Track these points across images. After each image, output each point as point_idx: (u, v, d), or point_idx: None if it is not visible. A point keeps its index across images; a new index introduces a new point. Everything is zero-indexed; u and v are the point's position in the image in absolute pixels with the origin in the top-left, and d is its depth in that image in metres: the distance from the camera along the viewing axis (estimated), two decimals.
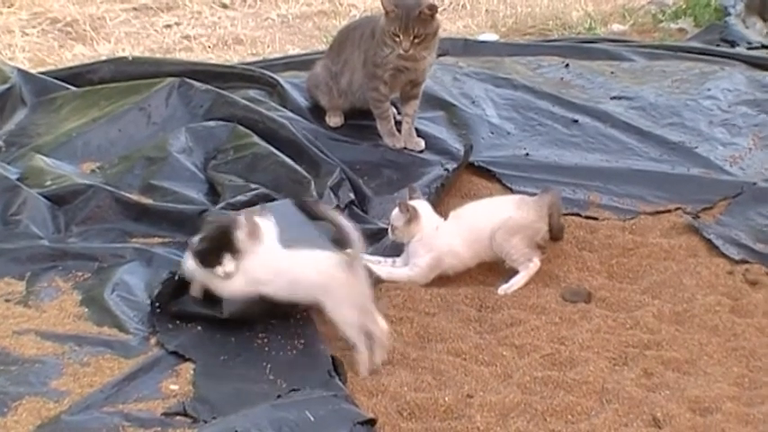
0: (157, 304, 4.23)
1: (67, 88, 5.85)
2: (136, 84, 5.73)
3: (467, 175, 5.27)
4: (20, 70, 6.00)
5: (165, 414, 3.74)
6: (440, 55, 5.64)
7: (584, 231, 4.88)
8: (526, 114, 5.75)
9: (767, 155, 5.48)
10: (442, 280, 4.57)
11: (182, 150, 5.21)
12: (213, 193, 5.01)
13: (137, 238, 4.74)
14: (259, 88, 5.80)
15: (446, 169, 5.17)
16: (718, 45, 6.96)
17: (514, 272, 4.57)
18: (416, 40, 5.11)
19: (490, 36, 7.30)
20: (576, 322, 4.34)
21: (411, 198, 4.66)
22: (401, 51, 5.14)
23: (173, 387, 3.88)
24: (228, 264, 4.08)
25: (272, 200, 4.77)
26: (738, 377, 4.03)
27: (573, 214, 4.95)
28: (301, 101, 5.65)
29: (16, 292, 4.37)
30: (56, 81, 5.91)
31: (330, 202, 4.85)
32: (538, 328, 4.29)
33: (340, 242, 4.12)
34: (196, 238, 4.13)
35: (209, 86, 5.64)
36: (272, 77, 5.85)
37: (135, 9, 8.03)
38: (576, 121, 5.69)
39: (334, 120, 5.50)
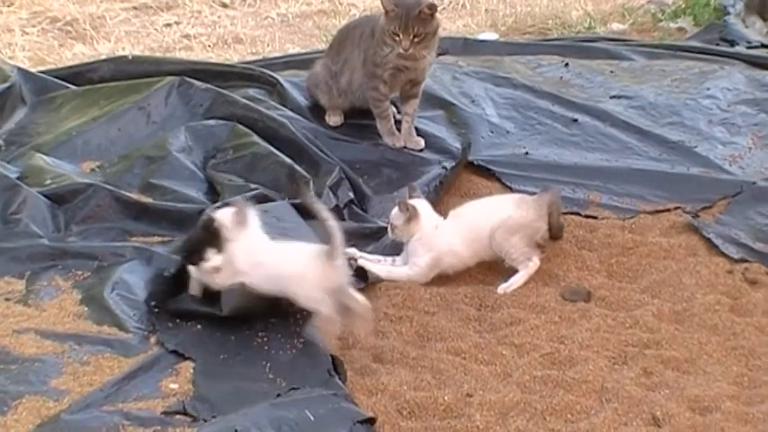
0: (153, 303, 4.24)
1: (67, 87, 5.85)
2: (136, 83, 5.73)
3: (466, 174, 5.28)
4: (20, 69, 6.00)
5: (165, 413, 3.74)
6: (439, 54, 5.64)
7: (584, 230, 4.88)
8: (526, 113, 5.75)
9: (766, 154, 5.48)
10: (442, 279, 4.58)
11: (181, 149, 5.22)
12: (213, 192, 5.01)
13: (136, 236, 4.74)
14: (259, 87, 5.80)
15: (444, 167, 5.17)
16: (717, 44, 6.96)
17: (514, 271, 4.57)
18: (416, 40, 5.11)
19: (490, 35, 7.30)
20: (575, 321, 4.35)
21: (411, 197, 4.67)
22: (401, 50, 5.14)
23: (172, 386, 3.88)
24: (214, 258, 4.11)
25: (270, 200, 4.78)
26: (738, 376, 4.03)
27: (572, 213, 4.96)
28: (301, 100, 5.65)
29: (16, 291, 4.37)
30: (56, 80, 5.92)
31: (329, 202, 4.85)
32: (537, 328, 4.29)
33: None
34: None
35: (208, 85, 5.64)
36: (271, 76, 5.85)
37: (135, 8, 8.03)
38: (576, 120, 5.69)
39: (333, 119, 5.50)
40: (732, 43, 6.97)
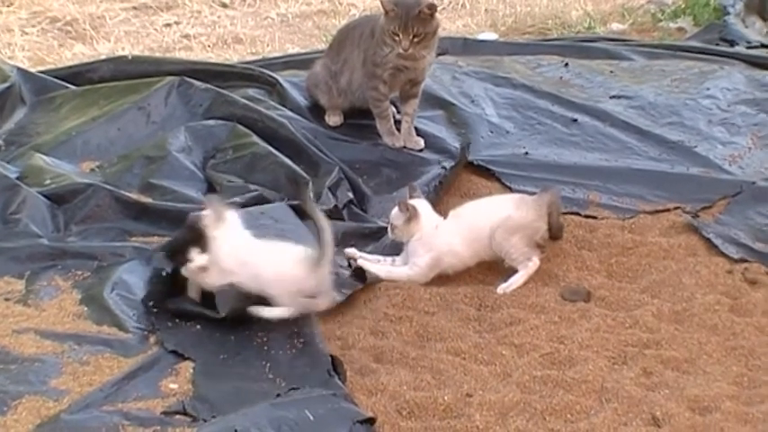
0: (151, 302, 4.24)
1: (67, 87, 5.85)
2: (135, 83, 5.73)
3: (466, 174, 5.28)
4: (19, 69, 6.00)
5: (165, 413, 3.74)
6: (439, 54, 5.64)
7: (584, 230, 4.88)
8: (525, 113, 5.75)
9: (766, 154, 5.47)
10: (442, 279, 4.58)
11: (181, 149, 5.22)
12: (212, 192, 5.01)
13: (136, 236, 4.74)
14: (258, 87, 5.80)
15: (443, 167, 5.17)
16: (717, 44, 6.96)
17: (513, 271, 4.57)
18: (416, 40, 5.11)
19: (489, 35, 7.30)
20: (575, 321, 4.35)
21: (411, 197, 4.66)
22: (401, 50, 5.14)
23: (172, 386, 3.88)
24: (198, 257, 4.13)
25: (268, 202, 4.78)
26: (737, 376, 4.03)
27: (572, 213, 4.95)
28: (301, 100, 5.65)
29: (16, 291, 4.37)
30: (55, 80, 5.92)
31: (328, 202, 4.85)
32: (537, 328, 4.29)
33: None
34: None
35: (208, 85, 5.64)
36: (271, 76, 5.85)
37: (135, 8, 8.03)
38: (576, 120, 5.69)
39: (333, 119, 5.50)
40: (732, 43, 6.96)
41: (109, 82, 5.85)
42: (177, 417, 3.73)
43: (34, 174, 5.07)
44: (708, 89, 6.03)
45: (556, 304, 4.45)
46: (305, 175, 5.02)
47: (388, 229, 4.62)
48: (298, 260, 4.12)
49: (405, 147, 5.34)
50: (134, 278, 4.39)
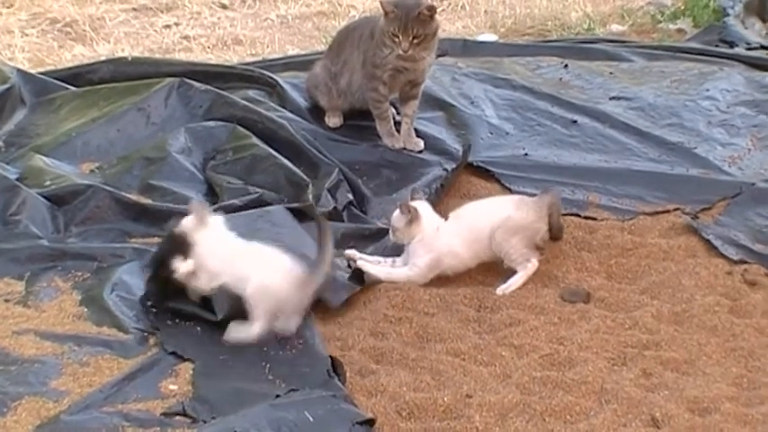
0: (149, 303, 4.24)
1: (67, 88, 5.86)
2: (135, 84, 5.73)
3: (466, 176, 5.28)
4: (19, 70, 6.00)
5: (165, 414, 3.74)
6: (439, 55, 5.64)
7: (583, 232, 4.88)
8: (525, 115, 5.75)
9: (766, 155, 5.48)
10: (441, 280, 4.58)
11: (181, 151, 5.22)
12: (212, 193, 5.01)
13: (136, 238, 4.74)
14: (258, 89, 5.80)
15: (445, 169, 5.17)
16: (716, 46, 6.95)
17: (513, 272, 4.57)
18: (416, 41, 5.11)
19: (489, 36, 7.30)
20: (574, 322, 4.35)
21: (413, 199, 4.66)
22: (400, 52, 5.14)
23: (172, 387, 3.88)
24: (183, 265, 4.15)
25: (268, 204, 4.78)
26: (737, 377, 4.03)
27: (572, 214, 4.96)
28: (301, 101, 5.65)
29: (15, 292, 4.37)
30: (55, 81, 5.92)
31: (328, 204, 4.85)
32: (537, 329, 4.29)
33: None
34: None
35: (208, 87, 5.64)
36: (271, 78, 5.85)
37: (134, 9, 8.03)
38: (575, 121, 5.69)
39: (333, 120, 5.50)
40: (731, 45, 6.96)
41: (109, 83, 5.85)
42: (177, 418, 3.73)
43: (34, 175, 5.07)
44: (707, 90, 6.03)
45: (555, 305, 4.45)
46: (305, 177, 5.02)
47: (390, 232, 4.62)
48: (284, 276, 4.08)
49: (404, 148, 5.34)
50: (134, 279, 4.40)
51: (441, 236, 4.56)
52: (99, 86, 5.84)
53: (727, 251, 4.73)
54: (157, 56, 7.04)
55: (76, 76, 6.00)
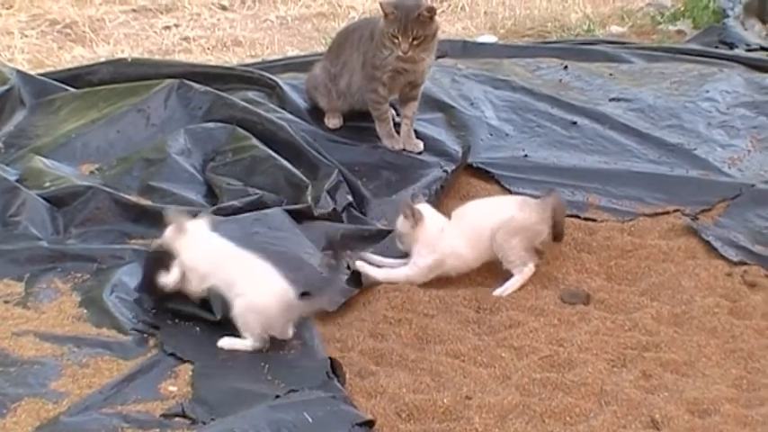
0: (151, 305, 4.25)
1: (66, 90, 5.85)
2: (135, 85, 5.73)
3: (465, 177, 5.28)
4: (19, 72, 6.00)
5: (164, 415, 3.74)
6: (439, 57, 5.64)
7: (583, 233, 4.88)
8: (525, 116, 5.75)
9: (765, 157, 5.48)
10: (441, 281, 4.58)
11: (180, 152, 5.22)
12: (212, 194, 5.01)
13: (135, 239, 4.74)
14: (258, 90, 5.80)
15: (445, 171, 5.17)
16: (716, 47, 6.95)
17: (511, 274, 4.57)
18: (415, 42, 5.11)
19: (489, 38, 7.29)
20: (574, 324, 4.35)
21: (414, 203, 4.65)
22: (400, 53, 5.14)
23: (171, 388, 3.88)
24: (168, 279, 4.17)
25: (267, 206, 4.77)
26: (737, 379, 4.04)
27: (572, 216, 4.95)
28: (300, 102, 5.65)
29: (15, 294, 4.37)
30: (55, 82, 5.91)
31: (327, 205, 4.85)
32: (536, 330, 4.29)
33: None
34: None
35: (208, 88, 5.64)
36: (271, 79, 5.85)
37: (134, 11, 8.02)
38: (575, 122, 5.69)
39: (332, 121, 5.50)
40: (731, 46, 6.96)
41: (108, 84, 5.84)
42: (176, 419, 3.73)
43: (34, 176, 5.07)
44: (707, 92, 6.03)
45: (555, 307, 4.45)
46: (304, 178, 5.01)
47: (396, 240, 4.61)
48: (273, 296, 4.05)
49: (404, 149, 5.34)
50: (133, 280, 4.39)
51: (444, 237, 4.56)
52: (99, 88, 5.83)
53: (726, 252, 4.73)
54: (157, 57, 7.04)
55: (76, 78, 6.00)
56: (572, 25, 7.56)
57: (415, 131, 5.40)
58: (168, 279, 4.18)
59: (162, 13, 7.98)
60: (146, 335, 4.15)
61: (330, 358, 4.00)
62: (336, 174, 5.05)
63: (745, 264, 4.68)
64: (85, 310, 4.27)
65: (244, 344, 4.05)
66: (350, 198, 4.99)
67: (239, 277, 4.09)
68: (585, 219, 4.98)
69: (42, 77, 6.03)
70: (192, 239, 4.19)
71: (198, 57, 7.21)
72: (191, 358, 4.02)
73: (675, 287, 4.55)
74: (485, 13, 7.92)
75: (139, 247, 4.64)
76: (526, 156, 5.42)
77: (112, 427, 3.66)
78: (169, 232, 4.21)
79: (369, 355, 4.13)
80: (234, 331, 4.09)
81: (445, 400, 3.87)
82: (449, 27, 7.56)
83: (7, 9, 7.86)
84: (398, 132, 5.36)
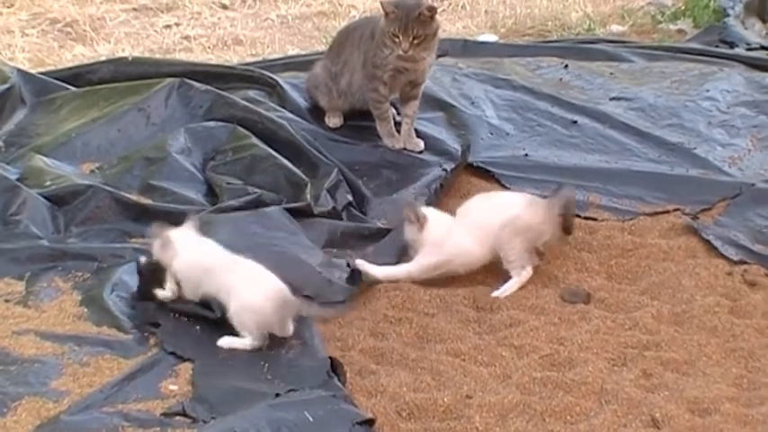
0: (147, 305, 4.26)
1: (67, 88, 5.85)
2: (135, 84, 5.73)
3: (466, 176, 5.28)
4: (19, 70, 6.00)
5: (165, 414, 3.74)
6: (439, 56, 5.64)
7: (584, 232, 4.88)
8: (525, 115, 5.75)
9: (766, 156, 5.48)
10: (442, 280, 4.57)
11: (181, 151, 5.22)
12: (212, 193, 5.01)
13: (136, 238, 4.74)
14: (258, 89, 5.79)
15: (444, 170, 5.17)
16: (717, 46, 6.95)
17: (508, 276, 4.56)
18: (416, 41, 5.11)
19: (489, 37, 7.30)
20: (575, 323, 4.35)
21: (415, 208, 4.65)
22: (400, 52, 5.14)
23: (172, 387, 3.88)
24: (163, 293, 4.21)
25: (265, 205, 4.78)
26: (737, 378, 4.04)
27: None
28: (301, 101, 5.65)
29: (16, 293, 4.37)
30: (55, 81, 5.91)
31: (327, 204, 4.85)
32: (537, 329, 4.29)
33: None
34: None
35: (208, 87, 5.64)
36: (271, 78, 5.85)
37: (135, 9, 8.02)
38: (576, 121, 5.69)
39: (333, 120, 5.50)
40: (731, 45, 6.96)
41: (109, 83, 5.85)
42: (177, 418, 3.73)
43: (34, 175, 5.07)
44: (707, 91, 6.03)
45: (555, 306, 4.45)
46: (304, 176, 5.02)
47: (409, 249, 4.59)
48: (267, 297, 4.05)
49: (405, 148, 5.34)
50: (134, 279, 4.39)
51: (451, 236, 4.54)
52: (99, 87, 5.83)
53: (727, 252, 4.73)
54: (158, 56, 7.04)
55: (77, 77, 6.00)
56: (572, 24, 7.57)
57: (416, 130, 5.40)
58: (166, 293, 4.22)
59: (163, 11, 7.98)
60: (146, 334, 4.15)
61: (330, 357, 4.00)
62: (336, 173, 5.06)
63: (746, 263, 4.68)
64: (86, 309, 4.27)
65: (243, 343, 4.05)
66: (350, 197, 5.00)
67: (231, 281, 4.09)
68: (586, 218, 4.98)
69: (43, 76, 6.03)
70: (179, 250, 4.20)
71: (198, 56, 7.21)
72: (191, 356, 4.02)
73: (676, 286, 4.55)
74: (485, 11, 7.93)
75: (140, 245, 4.64)
76: (526, 155, 5.42)
77: (113, 425, 3.66)
78: (156, 246, 4.23)
79: (369, 354, 4.13)
80: (233, 330, 4.09)
81: (446, 399, 3.87)
82: (449, 26, 7.56)
83: (8, 8, 7.87)
84: (399, 131, 5.36)
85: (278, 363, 3.99)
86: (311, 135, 5.35)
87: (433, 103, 5.68)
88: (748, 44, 6.97)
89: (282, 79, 5.84)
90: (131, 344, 4.09)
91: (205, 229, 4.48)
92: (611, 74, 6.28)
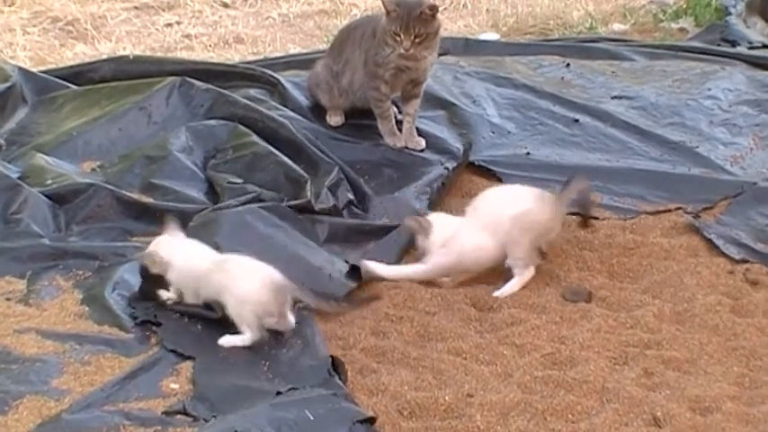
0: (148, 304, 4.27)
1: (68, 87, 5.86)
2: (137, 83, 5.73)
3: (467, 175, 5.28)
4: (21, 69, 6.00)
5: (166, 413, 3.74)
6: (441, 54, 5.63)
7: (585, 231, 4.88)
8: (527, 114, 5.75)
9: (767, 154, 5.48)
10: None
11: (182, 149, 5.22)
12: (213, 192, 5.02)
13: (137, 236, 4.74)
14: (260, 87, 5.79)
15: (446, 168, 5.17)
16: (718, 45, 6.95)
17: (510, 275, 4.55)
18: (417, 40, 5.11)
19: (491, 35, 7.30)
20: (576, 322, 4.35)
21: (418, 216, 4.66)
22: (402, 51, 5.13)
23: (173, 386, 3.88)
24: (166, 294, 4.23)
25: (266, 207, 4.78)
26: (739, 377, 4.03)
27: (574, 213, 4.94)
28: (302, 100, 5.65)
29: (17, 291, 4.37)
30: (57, 80, 5.92)
31: (327, 202, 4.85)
32: (538, 328, 4.29)
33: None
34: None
35: (209, 86, 5.64)
36: (272, 76, 5.85)
37: (136, 8, 8.03)
38: (577, 120, 5.69)
39: (334, 119, 5.50)
40: (733, 44, 6.96)
41: (110, 82, 5.85)
42: (178, 417, 3.73)
43: (35, 173, 5.07)
44: (709, 90, 6.03)
45: (557, 305, 4.45)
46: (304, 174, 5.01)
47: (424, 258, 4.59)
48: (259, 282, 4.06)
49: (406, 147, 5.33)
50: (135, 278, 4.39)
51: (461, 234, 4.54)
52: (100, 85, 5.84)
53: (728, 250, 4.73)
54: (159, 54, 7.05)
55: (78, 75, 6.00)
56: (574, 23, 7.57)
57: (417, 129, 5.39)
58: (170, 295, 4.23)
59: (164, 10, 7.99)
60: (147, 332, 4.15)
61: (331, 356, 4.00)
62: (337, 171, 5.05)
63: (747, 262, 4.68)
64: (87, 308, 4.27)
65: (243, 339, 4.05)
66: (350, 196, 4.99)
67: (224, 280, 4.09)
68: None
69: (44, 75, 6.03)
70: (171, 263, 4.21)
71: (200, 54, 7.22)
72: (192, 354, 4.02)
73: (677, 285, 4.55)
74: (487, 10, 7.93)
75: (141, 244, 4.64)
76: (528, 153, 5.42)
77: (114, 424, 3.66)
78: (150, 266, 4.24)
79: (370, 353, 4.13)
80: (234, 330, 4.09)
81: (447, 398, 3.87)
82: (451, 24, 7.56)
83: (9, 6, 7.88)
84: (400, 130, 5.36)
85: (279, 361, 3.99)
86: (312, 134, 5.35)
87: (435, 101, 5.68)
88: (750, 43, 6.96)
89: (284, 78, 5.84)
90: (132, 342, 4.09)
91: (206, 228, 4.49)
92: (613, 72, 6.28)
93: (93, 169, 5.20)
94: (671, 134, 5.60)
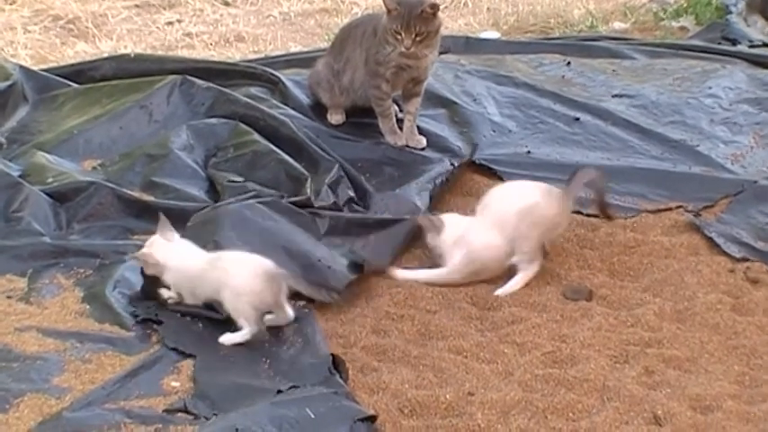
0: (149, 302, 4.27)
1: (69, 85, 5.86)
2: (138, 81, 5.73)
3: (468, 173, 5.28)
4: (22, 67, 6.01)
5: (167, 411, 3.74)
6: (441, 53, 5.64)
7: (586, 229, 4.88)
8: (528, 112, 5.75)
9: None
10: None
11: (183, 148, 5.22)
12: (214, 190, 5.02)
13: (138, 235, 4.73)
14: (261, 86, 5.80)
15: (452, 164, 5.17)
16: (719, 43, 6.95)
17: (513, 272, 4.55)
18: (418, 38, 5.11)
19: (492, 34, 7.30)
20: (577, 320, 4.35)
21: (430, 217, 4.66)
22: (403, 49, 5.14)
23: (174, 384, 3.88)
24: (167, 292, 4.23)
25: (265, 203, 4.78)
26: (739, 375, 4.03)
27: (574, 212, 4.94)
28: (303, 98, 5.65)
29: (18, 289, 4.38)
30: (58, 78, 5.92)
31: (327, 199, 4.85)
32: (539, 326, 4.29)
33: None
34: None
35: (210, 84, 5.64)
36: (273, 75, 5.85)
37: (137, 6, 8.04)
38: (578, 118, 5.69)
39: (335, 117, 5.50)
40: (734, 42, 6.96)
41: (111, 80, 5.85)
42: (179, 415, 3.73)
43: (36, 172, 5.07)
44: (710, 88, 6.03)
45: (557, 303, 4.45)
46: (305, 172, 5.02)
47: (438, 259, 4.59)
48: (252, 273, 4.07)
49: (407, 145, 5.34)
50: (136, 276, 4.39)
51: (470, 231, 4.53)
52: (101, 83, 5.84)
53: (729, 249, 4.73)
54: (160, 53, 7.05)
55: (79, 73, 6.01)
56: (575, 21, 7.57)
57: (418, 128, 5.39)
58: (171, 294, 4.24)
59: (165, 8, 8.00)
60: (148, 330, 4.16)
61: (332, 354, 4.00)
62: (338, 168, 5.05)
63: (748, 260, 4.67)
64: (88, 306, 4.28)
65: (242, 334, 4.05)
66: (351, 193, 4.99)
67: (219, 277, 4.10)
68: (588, 215, 4.97)
69: (45, 73, 6.04)
70: (166, 264, 4.21)
71: (201, 52, 7.22)
72: (192, 352, 4.02)
73: (678, 283, 4.55)
74: (487, 9, 7.93)
75: (142, 242, 4.63)
76: (529, 152, 5.42)
77: (115, 422, 3.67)
78: (147, 268, 4.25)
79: (371, 351, 4.13)
80: (235, 328, 4.09)
81: (448, 396, 3.87)
82: (451, 23, 7.56)
83: (10, 4, 7.88)
84: (401, 128, 5.36)
85: (279, 359, 4.00)
86: (313, 132, 5.35)
87: (436, 100, 5.68)
88: (751, 41, 6.97)
89: (285, 76, 5.84)
90: (133, 340, 4.10)
91: (206, 225, 4.49)
92: (614, 71, 6.28)
93: (94, 167, 5.21)
94: (671, 132, 5.60)
